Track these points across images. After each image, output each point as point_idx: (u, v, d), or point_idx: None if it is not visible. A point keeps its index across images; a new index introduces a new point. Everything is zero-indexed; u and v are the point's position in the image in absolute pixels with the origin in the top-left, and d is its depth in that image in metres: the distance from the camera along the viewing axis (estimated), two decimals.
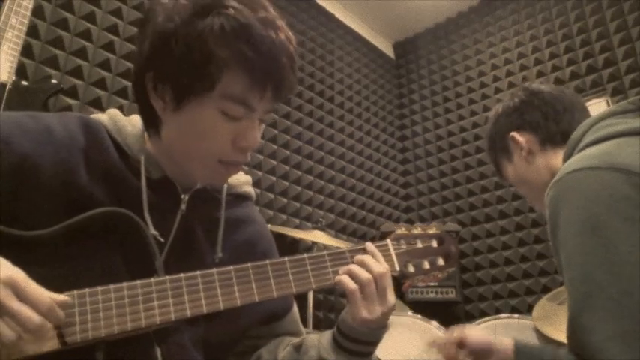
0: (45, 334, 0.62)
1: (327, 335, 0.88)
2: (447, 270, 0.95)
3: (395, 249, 0.90)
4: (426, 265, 0.93)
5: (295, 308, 1.02)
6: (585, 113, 1.14)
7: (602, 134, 0.89)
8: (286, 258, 0.81)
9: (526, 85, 1.25)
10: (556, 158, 1.10)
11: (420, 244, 0.94)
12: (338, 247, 0.91)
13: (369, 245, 0.87)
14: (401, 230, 0.95)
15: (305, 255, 0.82)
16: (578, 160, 0.86)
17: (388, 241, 0.91)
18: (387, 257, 0.88)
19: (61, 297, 0.64)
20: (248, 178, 1.01)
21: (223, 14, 0.73)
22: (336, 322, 0.87)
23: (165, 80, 0.76)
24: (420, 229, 0.96)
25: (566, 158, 0.98)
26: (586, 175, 0.81)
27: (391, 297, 0.82)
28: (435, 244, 0.95)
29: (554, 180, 0.86)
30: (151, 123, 0.82)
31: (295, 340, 0.94)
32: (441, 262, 0.95)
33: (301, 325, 1.03)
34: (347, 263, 0.84)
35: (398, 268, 0.89)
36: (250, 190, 1.00)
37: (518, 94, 1.22)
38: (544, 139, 1.14)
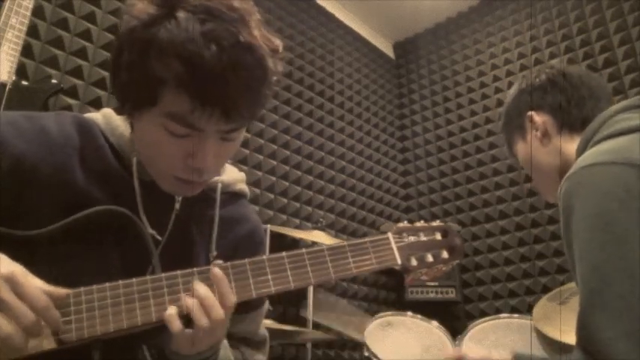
0: (40, 333, 0.62)
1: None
2: (452, 263, 0.91)
3: (396, 242, 0.87)
4: (430, 258, 0.89)
5: (264, 309, 1.00)
6: (610, 103, 1.09)
7: (617, 128, 0.88)
8: (284, 253, 0.79)
9: (554, 63, 1.21)
10: (571, 144, 1.05)
11: (423, 237, 0.91)
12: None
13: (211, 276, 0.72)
14: (403, 223, 0.91)
15: (304, 250, 0.81)
16: (592, 154, 0.85)
17: (389, 234, 0.88)
18: (388, 251, 0.85)
19: (62, 291, 0.65)
20: (242, 175, 0.99)
21: (165, 27, 0.68)
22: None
23: (117, 89, 0.75)
24: (423, 222, 0.93)
25: (580, 150, 0.96)
26: (600, 170, 0.80)
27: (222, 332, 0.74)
28: (438, 236, 0.92)
29: (569, 174, 0.85)
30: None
31: None
32: (445, 255, 0.91)
33: (261, 327, 1.00)
34: (346, 257, 0.82)
35: (400, 262, 0.86)
36: (244, 187, 0.99)
37: (545, 71, 1.16)
38: (563, 123, 1.09)
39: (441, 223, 0.94)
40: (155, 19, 0.68)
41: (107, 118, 0.86)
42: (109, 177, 0.80)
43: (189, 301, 0.69)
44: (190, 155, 0.73)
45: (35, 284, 0.62)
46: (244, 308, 0.91)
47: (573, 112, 1.09)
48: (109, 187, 0.79)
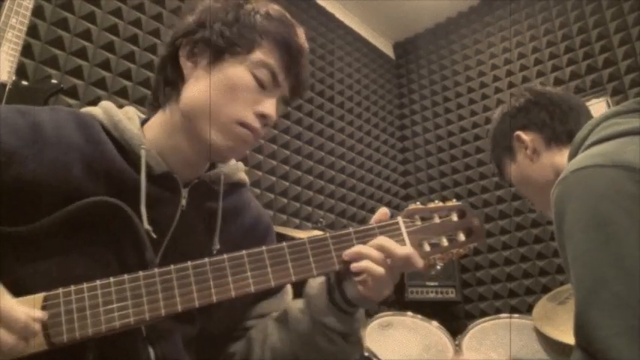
0: (22, 351, 0.60)
1: (319, 299, 0.82)
2: (469, 246, 0.84)
3: (407, 227, 0.81)
4: (445, 242, 0.83)
5: (289, 287, 0.98)
6: (590, 117, 1.15)
7: (606, 133, 0.89)
8: (285, 243, 0.75)
9: (530, 86, 1.26)
10: (561, 157, 1.10)
11: (437, 219, 0.84)
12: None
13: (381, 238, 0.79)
14: (415, 205, 0.84)
15: (305, 239, 0.76)
16: (582, 158, 0.86)
17: (399, 218, 0.81)
18: (398, 237, 0.80)
19: (38, 314, 0.62)
20: (240, 164, 0.99)
21: (267, 6, 0.87)
22: (332, 287, 0.81)
23: (207, 43, 0.83)
24: (437, 202, 0.86)
25: (571, 157, 0.98)
26: (591, 172, 0.81)
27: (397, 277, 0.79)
28: (454, 217, 0.85)
29: (560, 178, 0.86)
30: (172, 87, 0.86)
31: (275, 314, 0.90)
32: (461, 237, 0.84)
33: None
34: (352, 246, 0.77)
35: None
36: (244, 176, 0.99)
37: (523, 94, 1.23)
38: (549, 137, 1.15)
39: (457, 203, 0.87)
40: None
41: (108, 112, 0.84)
42: (113, 172, 0.78)
43: (407, 249, 0.77)
44: (260, 103, 0.83)
45: (10, 305, 0.59)
46: (266, 293, 0.90)
47: (557, 126, 1.15)
48: (112, 183, 0.77)
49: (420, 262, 0.78)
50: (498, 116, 1.27)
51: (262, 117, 0.83)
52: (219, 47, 0.83)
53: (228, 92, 0.82)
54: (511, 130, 1.21)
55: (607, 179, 0.78)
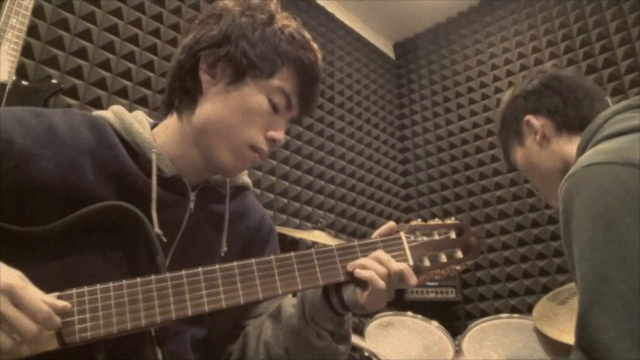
0: (43, 340, 0.61)
1: (314, 297, 0.84)
2: (466, 263, 0.89)
3: (409, 242, 0.85)
4: (443, 258, 0.86)
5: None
6: (604, 104, 1.11)
7: (617, 128, 0.88)
8: (292, 253, 0.78)
9: (544, 67, 1.21)
10: (571, 145, 1.06)
11: (436, 236, 0.88)
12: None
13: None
14: (416, 221, 0.88)
15: (312, 250, 0.79)
16: (593, 154, 0.85)
17: (402, 233, 0.85)
18: (400, 251, 0.83)
19: (61, 303, 0.63)
20: None
21: (291, 27, 0.87)
22: (330, 289, 0.83)
23: (229, 60, 0.83)
24: (437, 220, 0.90)
25: (580, 150, 0.97)
26: (601, 169, 0.80)
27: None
28: (453, 235, 0.89)
29: (569, 174, 0.85)
30: (188, 97, 0.86)
31: (272, 310, 0.93)
32: (459, 254, 0.88)
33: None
34: (356, 258, 0.80)
35: (412, 263, 0.83)
36: (247, 179, 1.01)
37: (537, 76, 1.18)
38: (561, 124, 1.10)
39: (456, 221, 0.91)
40: (278, 19, 0.86)
41: (119, 116, 0.85)
42: (124, 175, 0.79)
43: (402, 265, 0.79)
44: (271, 127, 0.85)
45: (35, 295, 0.61)
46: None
47: (570, 113, 1.10)
48: (123, 186, 0.78)
49: (413, 280, 0.80)
50: (509, 97, 1.22)
51: (272, 141, 0.85)
52: (242, 67, 0.83)
53: (243, 115, 0.83)
54: (521, 114, 1.16)
55: (617, 177, 0.77)
